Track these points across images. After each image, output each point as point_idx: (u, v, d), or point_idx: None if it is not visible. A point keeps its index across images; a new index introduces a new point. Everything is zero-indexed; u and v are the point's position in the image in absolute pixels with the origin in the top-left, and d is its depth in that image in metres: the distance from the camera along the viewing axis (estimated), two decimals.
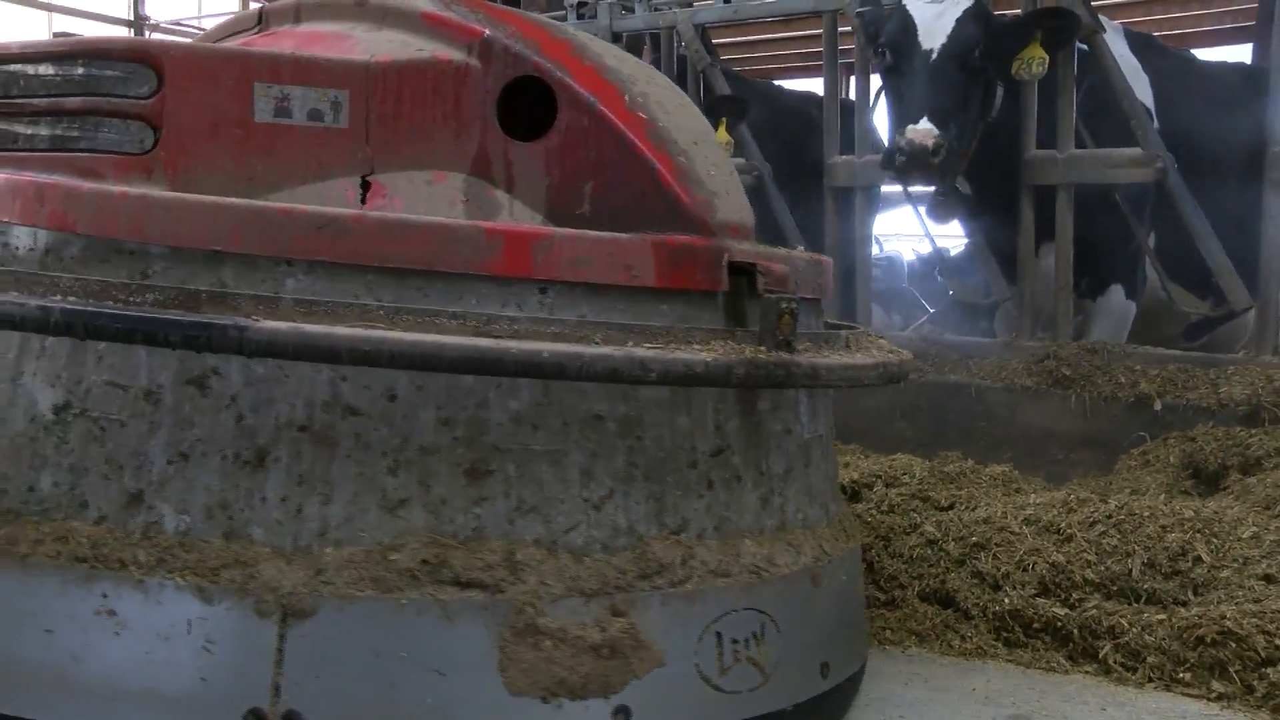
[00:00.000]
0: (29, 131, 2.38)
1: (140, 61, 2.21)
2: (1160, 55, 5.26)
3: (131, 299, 1.86)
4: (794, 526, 2.31)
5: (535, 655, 1.93)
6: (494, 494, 1.97)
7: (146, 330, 1.79)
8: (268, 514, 1.92)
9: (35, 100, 2.36)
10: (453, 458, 1.96)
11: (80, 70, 2.27)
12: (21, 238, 2.18)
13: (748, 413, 2.24)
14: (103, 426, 1.97)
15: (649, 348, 1.93)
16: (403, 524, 1.94)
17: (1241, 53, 8.04)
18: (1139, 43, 5.18)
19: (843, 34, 5.17)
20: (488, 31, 2.39)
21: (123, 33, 14.73)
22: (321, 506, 1.92)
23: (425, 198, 2.33)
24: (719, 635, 2.10)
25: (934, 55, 4.21)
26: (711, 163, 2.34)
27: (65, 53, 2.32)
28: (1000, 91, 4.38)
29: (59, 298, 1.86)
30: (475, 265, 2.01)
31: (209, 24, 17.44)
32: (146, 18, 15.79)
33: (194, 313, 1.80)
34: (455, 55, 2.38)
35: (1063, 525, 3.08)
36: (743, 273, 2.20)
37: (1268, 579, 2.83)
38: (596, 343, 1.91)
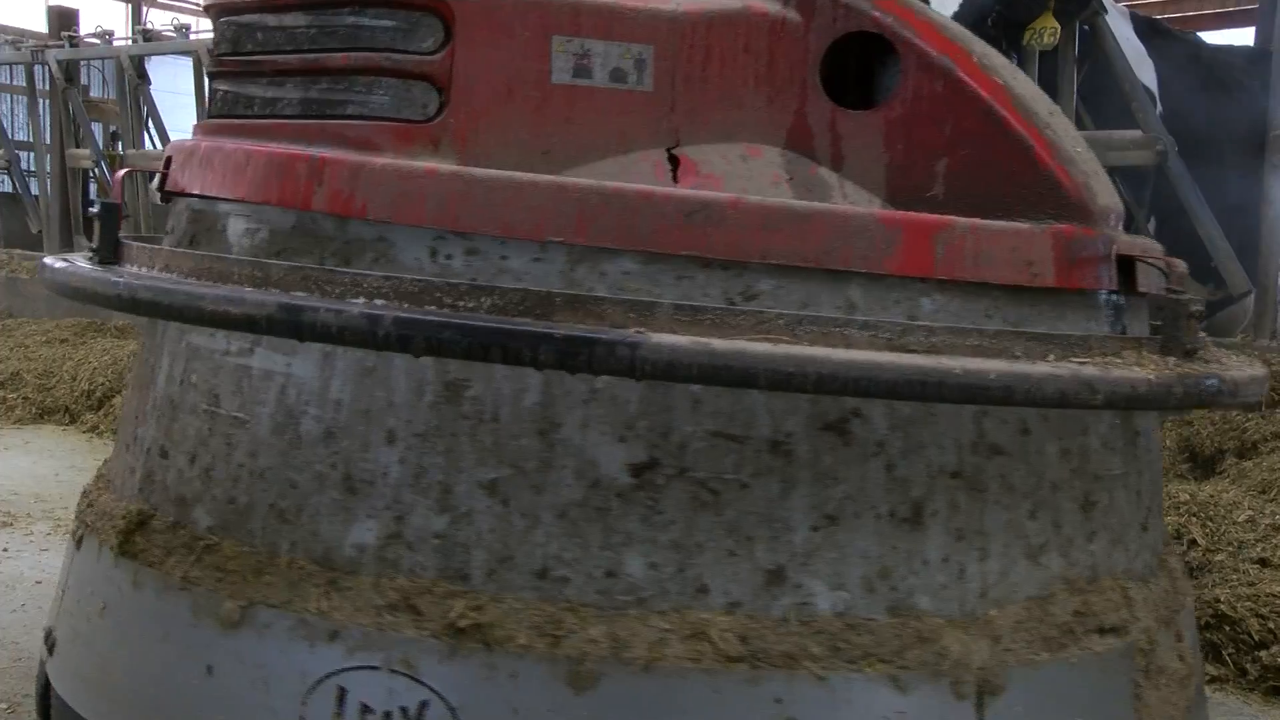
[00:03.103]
0: (270, 95, 1.85)
1: (425, 9, 1.77)
2: (1166, 39, 5.33)
3: (461, 304, 1.49)
4: None
5: (1157, 696, 1.81)
6: (1098, 527, 1.81)
7: (507, 344, 1.43)
8: (931, 578, 1.63)
9: (280, 57, 1.84)
10: (1071, 492, 1.77)
11: (348, 20, 1.80)
12: (279, 223, 1.71)
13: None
14: (714, 489, 1.56)
15: (1080, 363, 1.67)
16: (1045, 572, 1.72)
17: (1244, 36, 8.04)
18: (1145, 26, 5.23)
19: None
20: None
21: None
22: (980, 563, 1.66)
23: (743, 176, 2.01)
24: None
25: None
26: (1074, 138, 2.10)
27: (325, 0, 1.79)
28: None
29: (376, 302, 1.49)
30: (871, 262, 1.69)
31: None
32: None
33: (550, 322, 1.46)
34: (770, 6, 2.06)
35: None
36: (1121, 267, 1.96)
37: (1262, 563, 2.90)
38: (1018, 356, 1.64)
